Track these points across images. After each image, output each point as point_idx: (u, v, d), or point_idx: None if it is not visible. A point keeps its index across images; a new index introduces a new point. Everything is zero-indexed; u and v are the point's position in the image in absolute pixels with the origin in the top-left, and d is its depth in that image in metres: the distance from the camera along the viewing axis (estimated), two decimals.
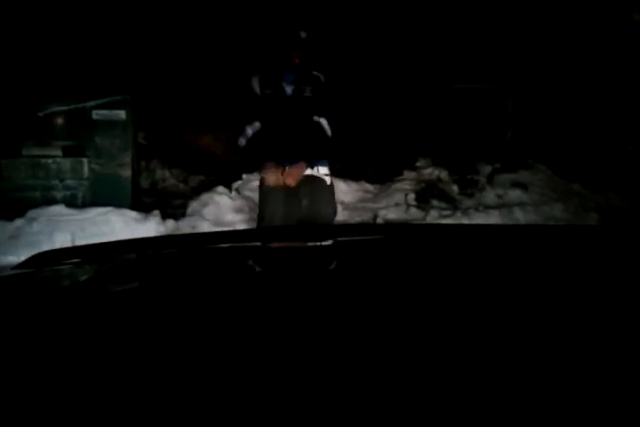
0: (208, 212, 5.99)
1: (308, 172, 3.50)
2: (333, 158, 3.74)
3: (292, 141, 3.47)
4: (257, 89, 3.49)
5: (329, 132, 3.57)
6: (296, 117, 3.49)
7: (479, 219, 6.04)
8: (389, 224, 5.66)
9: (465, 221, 5.96)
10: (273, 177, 3.42)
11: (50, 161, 5.77)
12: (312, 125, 3.53)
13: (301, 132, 3.48)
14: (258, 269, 1.12)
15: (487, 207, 6.54)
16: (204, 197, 6.28)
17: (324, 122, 3.56)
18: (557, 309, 0.75)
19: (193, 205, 6.22)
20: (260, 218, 3.60)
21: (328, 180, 3.60)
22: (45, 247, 4.39)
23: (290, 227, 2.88)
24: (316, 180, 3.53)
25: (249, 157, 3.60)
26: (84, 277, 1.07)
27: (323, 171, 3.56)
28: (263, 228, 3.39)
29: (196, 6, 8.52)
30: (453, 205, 6.87)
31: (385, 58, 8.74)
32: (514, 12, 8.22)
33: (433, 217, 6.28)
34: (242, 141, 3.54)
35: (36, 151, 5.80)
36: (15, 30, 7.47)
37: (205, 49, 8.68)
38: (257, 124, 3.52)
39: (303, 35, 3.39)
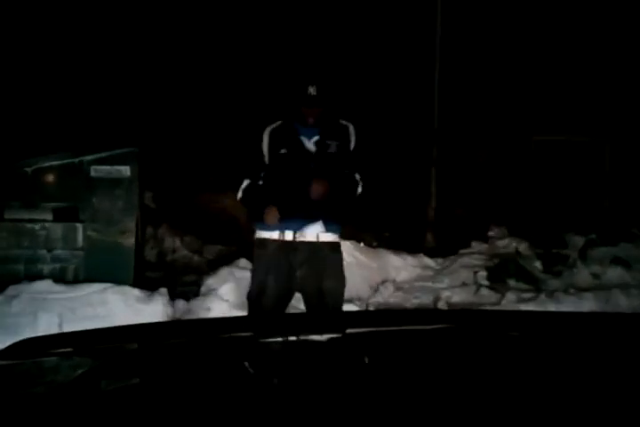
0: (227, 291, 5.99)
1: (312, 238, 3.70)
2: (350, 220, 4.00)
3: (308, 201, 3.63)
4: (265, 148, 3.74)
5: (359, 189, 3.82)
6: (320, 176, 3.66)
7: (569, 304, 5.90)
8: (454, 310, 5.57)
9: (551, 308, 5.82)
10: (271, 215, 3.60)
11: (37, 226, 5.86)
12: (340, 181, 3.73)
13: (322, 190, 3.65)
14: (283, 370, 1.11)
15: (579, 289, 6.39)
16: (223, 272, 6.30)
17: (357, 177, 3.81)
18: None
19: (208, 283, 6.23)
20: (252, 294, 3.83)
21: (336, 247, 3.81)
22: (27, 333, 4.41)
23: (322, 315, 2.86)
24: (321, 247, 3.72)
25: (250, 207, 3.86)
26: (73, 373, 1.07)
27: (329, 237, 3.75)
28: (294, 315, 3.40)
29: (212, 50, 8.87)
30: (536, 286, 6.75)
31: (445, 102, 8.87)
32: (609, 49, 8.33)
33: (510, 301, 6.17)
34: (239, 195, 3.83)
35: (21, 214, 5.90)
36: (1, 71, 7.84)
37: (221, 96, 8.96)
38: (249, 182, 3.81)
39: (312, 90, 3.59)
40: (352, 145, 3.80)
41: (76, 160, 5.96)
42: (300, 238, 3.69)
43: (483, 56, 8.77)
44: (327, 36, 8.77)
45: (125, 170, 5.99)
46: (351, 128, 3.81)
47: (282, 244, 3.70)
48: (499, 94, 8.75)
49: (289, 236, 3.69)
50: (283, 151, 3.71)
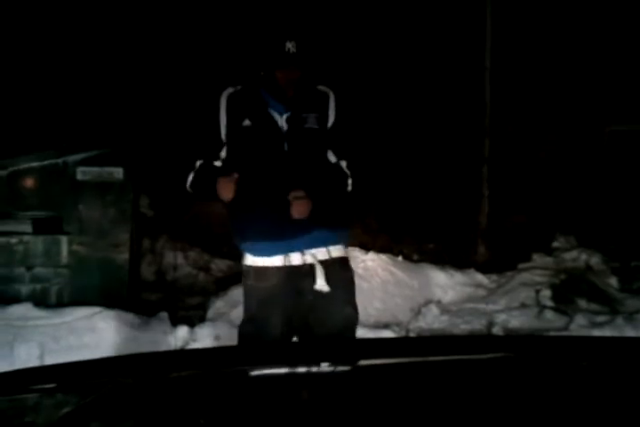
0: (239, 315, 5.98)
1: (319, 256, 3.36)
2: (350, 226, 3.63)
3: (286, 208, 3.26)
4: (223, 118, 3.40)
5: (350, 183, 3.47)
6: (295, 163, 3.35)
7: None
8: (512, 336, 5.54)
9: (630, 333, 5.79)
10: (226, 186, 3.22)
11: (13, 240, 5.91)
12: (323, 173, 3.41)
13: (304, 185, 3.29)
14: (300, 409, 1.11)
15: None
16: (234, 292, 6.32)
17: (342, 165, 3.47)
18: None
19: (217, 306, 6.26)
20: (247, 329, 3.51)
21: (346, 263, 3.49)
22: (3, 367, 4.44)
23: (352, 342, 2.87)
24: (330, 266, 3.38)
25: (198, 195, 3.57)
26: (57, 413, 1.08)
27: (339, 251, 3.44)
28: (315, 342, 3.35)
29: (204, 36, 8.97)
30: (611, 307, 6.71)
31: (499, 89, 8.85)
32: None
33: (580, 325, 6.14)
34: (188, 180, 3.51)
35: None
36: None
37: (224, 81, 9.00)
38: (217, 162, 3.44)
39: (291, 47, 3.24)
40: (331, 119, 3.43)
41: (60, 161, 6.00)
42: (309, 260, 3.35)
43: (542, 34, 8.73)
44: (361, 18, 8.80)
45: (117, 172, 6.02)
46: (332, 96, 3.46)
47: (287, 270, 3.35)
48: (563, 77, 8.70)
49: (296, 259, 3.35)
50: (246, 123, 3.36)
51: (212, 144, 3.42)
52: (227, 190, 3.21)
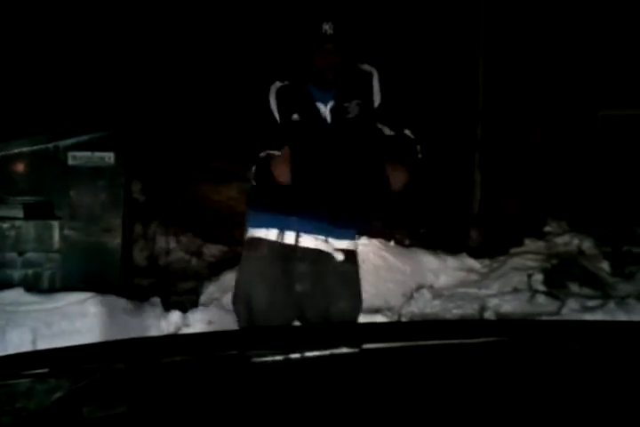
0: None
1: (320, 244, 3.28)
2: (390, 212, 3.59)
3: (339, 194, 3.22)
4: (276, 114, 3.29)
5: (419, 150, 3.38)
6: (343, 153, 3.25)
7: None
8: (504, 321, 5.56)
9: (622, 317, 5.81)
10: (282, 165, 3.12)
11: (5, 225, 5.90)
12: (381, 147, 3.29)
13: (351, 176, 3.24)
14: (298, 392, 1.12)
15: None
16: (226, 277, 6.31)
17: (407, 133, 3.36)
18: None
19: (209, 290, 6.26)
20: (238, 308, 3.44)
21: (351, 256, 3.38)
22: None
23: (342, 326, 2.87)
24: (330, 257, 3.29)
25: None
26: (49, 398, 1.08)
27: (342, 243, 3.34)
28: (308, 326, 3.34)
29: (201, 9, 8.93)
30: (603, 291, 6.72)
31: (491, 73, 8.83)
32: None
33: (572, 310, 6.15)
34: (252, 172, 3.32)
35: None
36: None
37: (227, 68, 8.96)
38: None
39: (328, 28, 3.13)
40: (377, 100, 3.33)
41: (51, 145, 5.98)
42: (303, 244, 3.27)
43: (535, 19, 8.72)
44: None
45: (109, 157, 6.01)
46: (375, 75, 3.34)
47: (280, 247, 3.28)
48: (555, 62, 8.69)
49: (289, 238, 3.28)
50: (295, 117, 3.27)
51: (271, 135, 3.26)
52: (282, 172, 3.12)
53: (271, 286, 3.30)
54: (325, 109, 3.27)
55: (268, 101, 3.29)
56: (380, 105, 3.33)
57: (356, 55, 3.36)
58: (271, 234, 3.29)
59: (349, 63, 3.29)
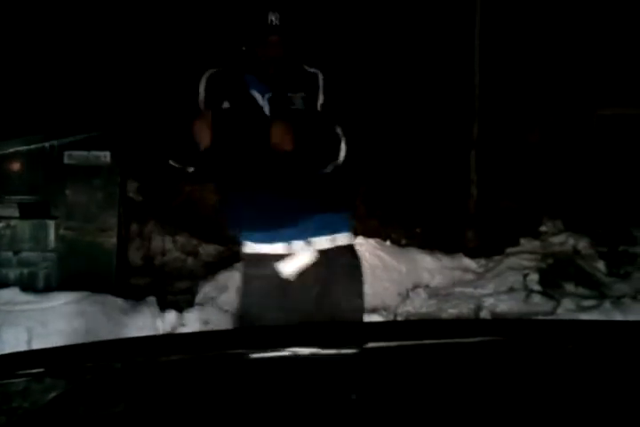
0: (227, 300, 6.01)
1: (328, 242, 3.12)
2: (354, 207, 3.36)
3: (284, 190, 3.04)
4: (202, 102, 3.10)
5: (343, 148, 3.07)
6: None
7: (639, 313, 5.89)
8: (500, 320, 5.56)
9: (617, 317, 5.81)
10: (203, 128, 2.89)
11: (0, 224, 5.90)
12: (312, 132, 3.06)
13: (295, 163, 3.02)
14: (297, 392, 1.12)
15: None
16: (222, 277, 6.32)
17: (338, 131, 3.09)
18: None
19: (205, 290, 6.26)
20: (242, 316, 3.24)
21: (354, 251, 3.26)
22: None
23: (340, 326, 2.86)
24: (334, 256, 3.13)
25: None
26: (45, 397, 1.08)
27: (346, 238, 3.20)
28: (307, 325, 3.30)
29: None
30: (599, 291, 6.73)
31: (488, 72, 8.84)
32: None
33: (567, 309, 6.15)
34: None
35: None
36: None
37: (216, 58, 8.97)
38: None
39: (274, 19, 2.96)
40: (320, 99, 3.10)
41: (47, 145, 5.98)
42: (317, 247, 3.08)
43: (531, 18, 8.72)
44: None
45: (105, 156, 6.00)
46: (320, 77, 3.13)
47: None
48: (552, 61, 8.70)
49: (298, 246, 3.07)
50: (225, 106, 3.06)
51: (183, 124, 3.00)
52: (204, 135, 2.89)
53: (282, 308, 3.09)
54: (263, 99, 3.07)
55: (197, 93, 3.11)
56: (322, 105, 3.12)
57: (303, 53, 3.19)
58: (277, 248, 3.09)
59: (294, 61, 3.13)
